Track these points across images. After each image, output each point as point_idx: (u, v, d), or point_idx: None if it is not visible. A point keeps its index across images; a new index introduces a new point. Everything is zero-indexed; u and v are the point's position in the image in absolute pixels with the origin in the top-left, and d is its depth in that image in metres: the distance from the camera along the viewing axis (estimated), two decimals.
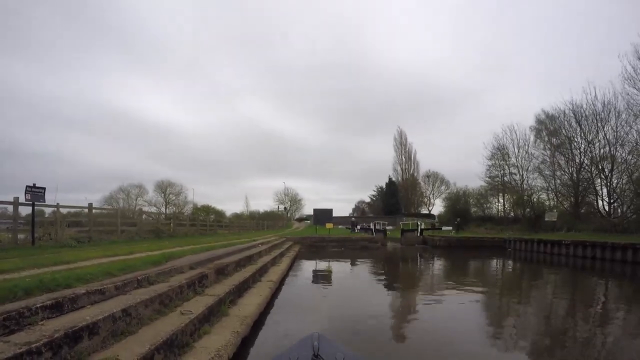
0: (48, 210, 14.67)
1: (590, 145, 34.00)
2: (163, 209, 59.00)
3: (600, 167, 32.84)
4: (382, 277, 16.28)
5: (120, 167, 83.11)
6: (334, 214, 71.39)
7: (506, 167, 44.93)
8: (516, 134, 43.48)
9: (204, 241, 16.80)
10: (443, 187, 71.93)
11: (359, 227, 41.63)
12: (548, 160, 39.06)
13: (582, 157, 34.88)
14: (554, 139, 37.65)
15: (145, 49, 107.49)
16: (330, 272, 16.85)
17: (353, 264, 20.75)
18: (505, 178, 45.42)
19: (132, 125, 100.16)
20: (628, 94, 28.36)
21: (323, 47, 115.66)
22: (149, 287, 5.75)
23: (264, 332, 6.84)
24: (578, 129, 34.85)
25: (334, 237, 29.40)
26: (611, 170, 32.00)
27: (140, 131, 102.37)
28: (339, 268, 18.73)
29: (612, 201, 32.49)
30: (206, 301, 6.07)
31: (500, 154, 45.16)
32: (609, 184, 32.33)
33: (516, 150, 43.62)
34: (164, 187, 62.56)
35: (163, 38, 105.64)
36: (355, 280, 14.91)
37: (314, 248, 27.98)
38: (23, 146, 71.25)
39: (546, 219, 34.32)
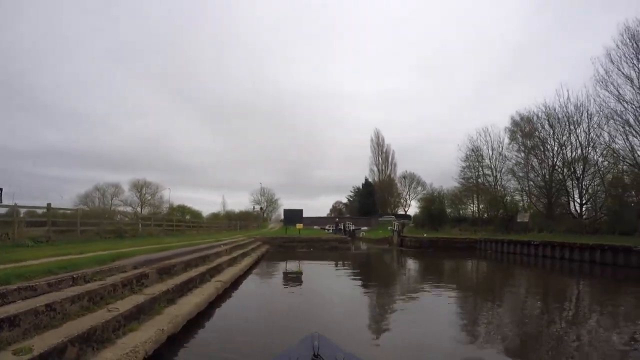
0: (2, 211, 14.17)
1: (562, 148, 34.12)
2: (139, 209, 58.47)
3: (572, 169, 33.17)
4: (345, 277, 15.77)
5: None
6: (313, 215, 72.41)
7: (480, 168, 45.49)
8: (490, 136, 43.84)
9: (166, 241, 16.20)
10: (420, 188, 72.79)
11: (337, 227, 41.95)
12: (522, 162, 39.53)
13: (555, 159, 35.00)
14: (528, 141, 38.23)
15: None
16: (294, 273, 16.62)
17: (318, 264, 20.45)
18: (479, 179, 46.03)
19: None
20: (600, 97, 28.41)
21: None
22: (83, 285, 5.86)
23: (200, 330, 6.83)
24: (551, 131, 35.00)
25: (304, 237, 29.10)
26: (583, 172, 32.24)
27: None
28: (302, 269, 18.28)
29: (583, 202, 32.73)
30: (138, 299, 6.14)
31: (474, 155, 45.72)
32: (580, 185, 32.71)
33: (490, 152, 44.09)
34: (139, 187, 61.98)
35: None
36: (312, 284, 13.96)
37: (283, 248, 27.57)
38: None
39: (518, 220, 34.59)
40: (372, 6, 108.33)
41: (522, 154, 39.22)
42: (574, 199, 33.80)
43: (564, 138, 34.26)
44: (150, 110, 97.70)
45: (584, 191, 32.90)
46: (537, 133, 37.06)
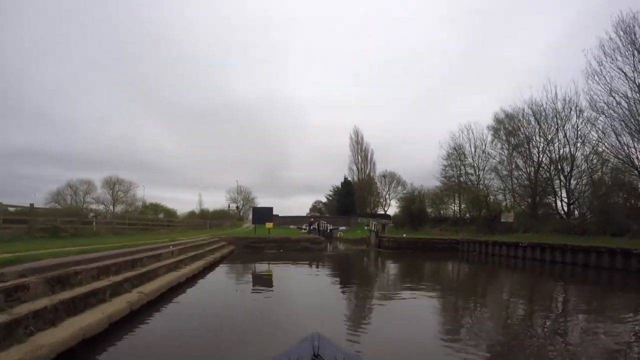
0: None
1: (549, 145, 32.47)
2: (111, 207, 57.72)
3: (559, 167, 31.56)
4: (314, 282, 13.24)
5: None
6: (293, 214, 70.28)
7: (462, 167, 43.72)
8: (473, 133, 42.02)
9: (110, 242, 13.87)
10: (400, 188, 70.95)
11: (312, 227, 39.13)
12: (505, 160, 38.02)
13: (541, 157, 33.32)
14: (512, 139, 36.53)
15: None
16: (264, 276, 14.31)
17: (285, 267, 17.96)
18: (461, 178, 44.26)
19: None
20: (592, 91, 26.55)
21: None
22: None
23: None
24: (537, 128, 33.24)
25: (273, 237, 26.33)
26: (570, 171, 30.74)
27: None
28: (263, 274, 15.54)
29: (571, 202, 31.05)
30: None
31: (456, 153, 43.91)
32: (568, 184, 31.12)
33: (473, 150, 42.37)
34: (112, 184, 60.79)
35: None
36: (277, 292, 11.51)
37: (250, 249, 24.85)
38: None
39: (502, 220, 32.87)
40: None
41: (506, 152, 37.52)
42: (561, 198, 32.02)
43: (551, 135, 32.56)
44: (123, 114, 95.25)
45: (571, 190, 31.19)
46: (522, 130, 35.39)
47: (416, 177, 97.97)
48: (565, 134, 31.41)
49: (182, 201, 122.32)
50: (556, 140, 32.04)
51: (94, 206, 54.14)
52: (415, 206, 47.14)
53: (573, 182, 31.10)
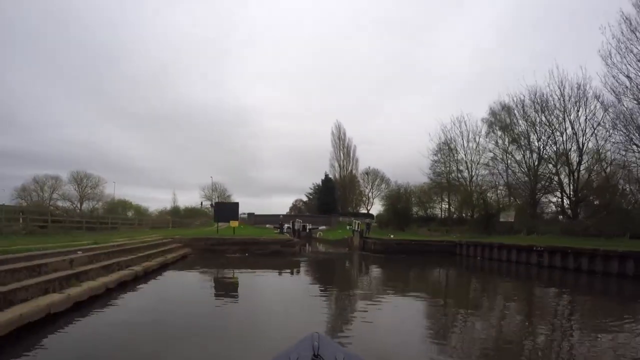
0: None
1: (553, 136, 29.15)
2: (78, 204, 54.68)
3: (567, 161, 28.08)
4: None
5: None
6: (273, 212, 65.48)
7: (453, 163, 39.80)
8: (466, 125, 38.47)
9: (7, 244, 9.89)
10: (383, 186, 66.91)
11: (283, 227, 34.52)
12: (500, 154, 34.45)
13: (543, 150, 30.11)
14: (511, 131, 32.87)
15: None
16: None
17: (245, 282, 13.32)
18: (452, 175, 40.46)
19: None
20: (610, 73, 22.79)
21: None
22: None
23: None
24: (542, 117, 29.63)
25: (238, 239, 21.57)
26: (579, 164, 27.32)
27: None
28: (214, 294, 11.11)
29: (579, 199, 27.59)
30: None
31: (447, 148, 40.12)
32: (575, 179, 27.62)
33: (465, 144, 38.69)
34: (79, 179, 56.67)
35: None
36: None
37: (209, 253, 20.23)
38: None
39: (501, 220, 29.18)
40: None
41: (502, 144, 33.82)
42: (568, 195, 28.28)
43: (557, 124, 28.85)
44: (94, 119, 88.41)
45: (579, 186, 27.49)
46: (522, 121, 31.74)
47: (399, 176, 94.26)
48: (572, 123, 27.77)
49: (161, 201, 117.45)
50: (562, 129, 28.34)
51: (60, 203, 51.13)
52: (401, 204, 43.34)
53: (583, 175, 27.43)
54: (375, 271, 18.11)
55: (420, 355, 5.47)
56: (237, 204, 26.09)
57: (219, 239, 21.73)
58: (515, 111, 32.25)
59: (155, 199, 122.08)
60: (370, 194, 70.38)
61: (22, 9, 77.07)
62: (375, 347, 5.76)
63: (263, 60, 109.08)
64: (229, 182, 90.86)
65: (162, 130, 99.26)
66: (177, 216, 56.75)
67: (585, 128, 27.07)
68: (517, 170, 32.79)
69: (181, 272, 14.15)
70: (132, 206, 57.06)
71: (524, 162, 31.89)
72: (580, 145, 27.25)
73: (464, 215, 39.36)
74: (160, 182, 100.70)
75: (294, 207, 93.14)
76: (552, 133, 29.01)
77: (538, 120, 30.18)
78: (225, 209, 25.14)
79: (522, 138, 31.57)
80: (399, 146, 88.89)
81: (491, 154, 35.23)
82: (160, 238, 20.49)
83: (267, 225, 51.64)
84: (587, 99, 26.74)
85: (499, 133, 34.65)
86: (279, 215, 62.19)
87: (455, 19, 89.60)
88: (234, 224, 23.55)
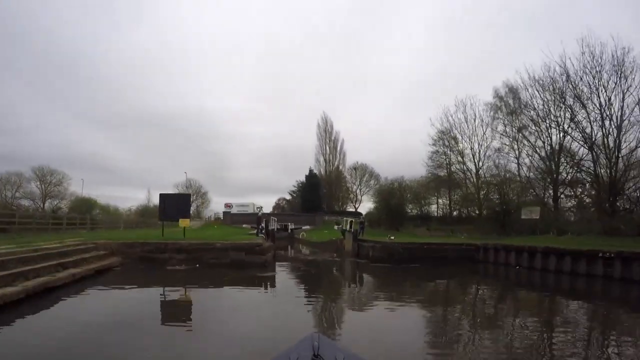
0: None
1: (581, 109, 24.25)
2: (40, 203, 51.33)
3: (606, 146, 22.99)
4: None
5: None
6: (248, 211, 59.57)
7: (457, 154, 34.97)
8: (474, 110, 33.59)
9: None
10: (373, 182, 61.59)
11: (261, 227, 28.66)
12: (510, 142, 29.68)
13: (561, 137, 25.29)
14: (529, 112, 27.88)
15: None
16: None
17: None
18: (454, 166, 35.47)
19: None
20: None
21: None
22: None
23: None
24: (570, 94, 24.63)
25: (188, 243, 14.93)
26: (617, 148, 22.29)
27: None
28: None
29: (618, 193, 22.45)
30: None
31: (449, 137, 35.25)
32: (613, 169, 22.53)
33: (471, 130, 33.77)
34: (42, 175, 52.63)
35: None
36: None
37: (144, 264, 14.27)
38: None
39: (523, 217, 23.96)
40: None
41: (520, 124, 29.00)
42: (604, 188, 23.19)
43: (587, 101, 23.88)
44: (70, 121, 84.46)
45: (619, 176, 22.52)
46: (539, 101, 26.91)
47: (390, 172, 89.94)
48: (610, 99, 22.83)
49: (137, 199, 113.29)
50: (596, 106, 23.39)
51: (23, 202, 49.12)
52: (395, 201, 38.12)
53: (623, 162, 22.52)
54: (383, 293, 12.41)
55: None
56: (188, 196, 20.23)
57: (160, 244, 15.48)
58: (537, 87, 27.28)
59: (135, 198, 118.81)
60: (358, 191, 65.01)
61: None
62: None
63: (248, 61, 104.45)
64: (206, 180, 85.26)
65: (141, 133, 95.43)
66: (146, 215, 52.49)
67: (624, 104, 22.28)
68: (535, 159, 27.92)
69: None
70: (98, 205, 53.88)
71: (545, 148, 26.97)
72: (619, 122, 22.43)
73: (466, 212, 34.44)
74: (138, 182, 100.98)
75: (277, 206, 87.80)
76: (579, 109, 24.13)
77: (563, 99, 25.31)
78: (173, 203, 18.29)
79: (549, 117, 26.72)
80: (385, 141, 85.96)
81: (503, 141, 30.38)
82: (78, 243, 14.57)
83: (244, 225, 45.76)
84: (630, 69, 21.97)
85: (506, 119, 30.05)
86: (256, 214, 56.29)
87: None
88: (185, 222, 17.31)
